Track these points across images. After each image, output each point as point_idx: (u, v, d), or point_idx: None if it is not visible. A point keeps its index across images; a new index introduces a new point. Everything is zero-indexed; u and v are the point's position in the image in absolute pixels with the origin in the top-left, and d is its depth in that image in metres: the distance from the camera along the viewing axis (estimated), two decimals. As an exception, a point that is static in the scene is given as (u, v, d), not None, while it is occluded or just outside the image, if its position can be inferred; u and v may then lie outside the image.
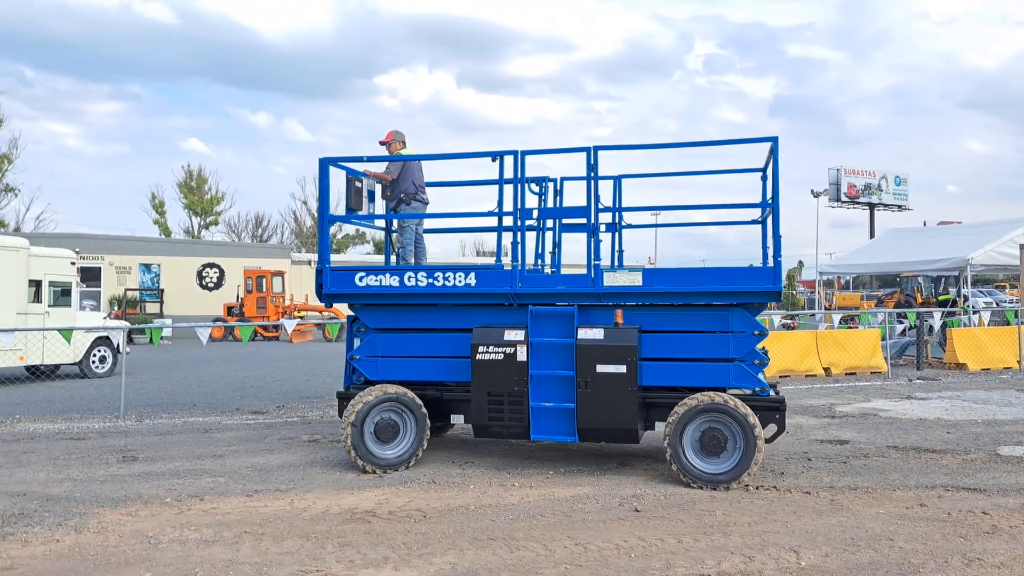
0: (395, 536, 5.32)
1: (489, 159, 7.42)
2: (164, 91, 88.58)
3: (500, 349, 7.03)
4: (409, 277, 7.41)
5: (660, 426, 6.92)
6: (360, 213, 8.56)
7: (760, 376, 6.91)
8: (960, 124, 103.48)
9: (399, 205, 8.99)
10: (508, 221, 7.44)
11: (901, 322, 17.80)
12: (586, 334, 6.90)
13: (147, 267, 35.06)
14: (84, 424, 10.25)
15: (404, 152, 9.28)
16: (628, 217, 9.19)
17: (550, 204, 8.73)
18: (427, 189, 9.20)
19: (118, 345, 15.94)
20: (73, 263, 16.10)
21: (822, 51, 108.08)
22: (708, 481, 6.52)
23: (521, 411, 7.00)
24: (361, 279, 7.52)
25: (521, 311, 7.22)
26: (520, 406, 7.00)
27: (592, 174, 7.14)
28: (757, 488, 6.52)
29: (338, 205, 11.35)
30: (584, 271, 7.23)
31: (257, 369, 17.77)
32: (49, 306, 15.23)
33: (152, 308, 33.87)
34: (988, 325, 17.63)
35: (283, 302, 30.82)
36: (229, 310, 31.01)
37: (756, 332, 6.87)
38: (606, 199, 8.04)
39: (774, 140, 6.82)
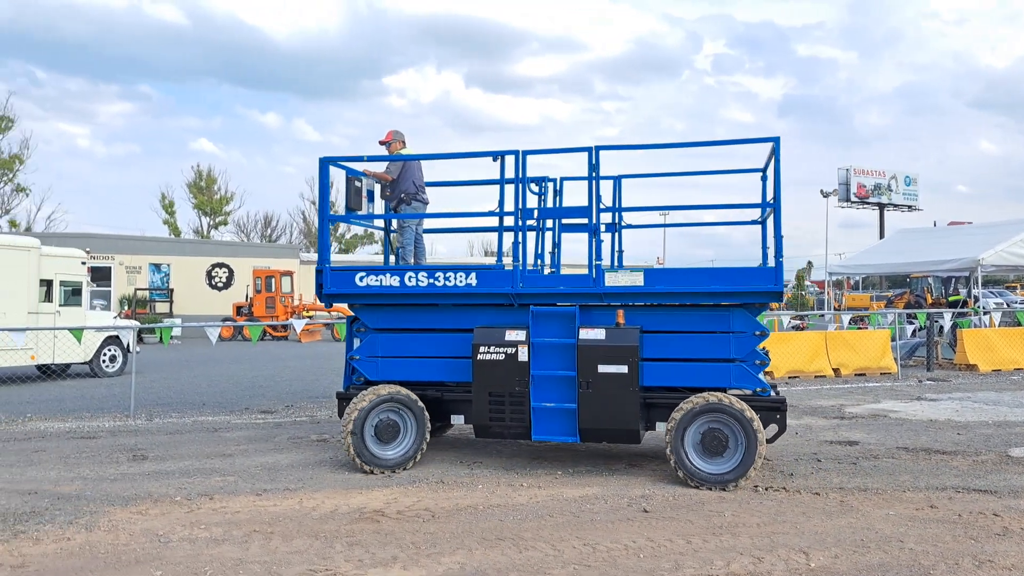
0: (404, 535, 5.33)
1: (490, 159, 7.41)
2: (173, 91, 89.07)
3: (501, 349, 7.02)
4: (410, 277, 7.40)
5: (661, 426, 6.92)
6: (360, 213, 8.56)
7: (761, 376, 6.90)
8: (970, 124, 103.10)
9: (399, 205, 8.96)
10: (509, 221, 7.43)
11: (911, 323, 17.71)
12: (587, 334, 6.90)
13: (157, 267, 35.22)
14: (94, 423, 10.30)
15: (404, 152, 9.25)
16: (630, 217, 9.19)
17: (550, 204, 8.72)
18: (427, 189, 9.19)
19: (128, 344, 16.02)
20: (84, 263, 16.19)
21: (831, 51, 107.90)
22: (710, 481, 6.51)
23: (522, 411, 6.99)
24: (361, 279, 7.51)
25: (522, 311, 7.21)
26: (521, 406, 6.99)
27: (594, 174, 7.13)
28: (766, 489, 6.51)
29: (336, 201, 11.35)
30: (582, 271, 7.22)
31: (266, 369, 17.82)
32: (60, 305, 15.32)
33: (162, 308, 34.03)
34: (999, 326, 17.50)
35: (292, 302, 30.89)
36: (238, 310, 31.11)
37: (757, 332, 6.86)
38: (607, 199, 8.04)
39: (775, 140, 6.81)
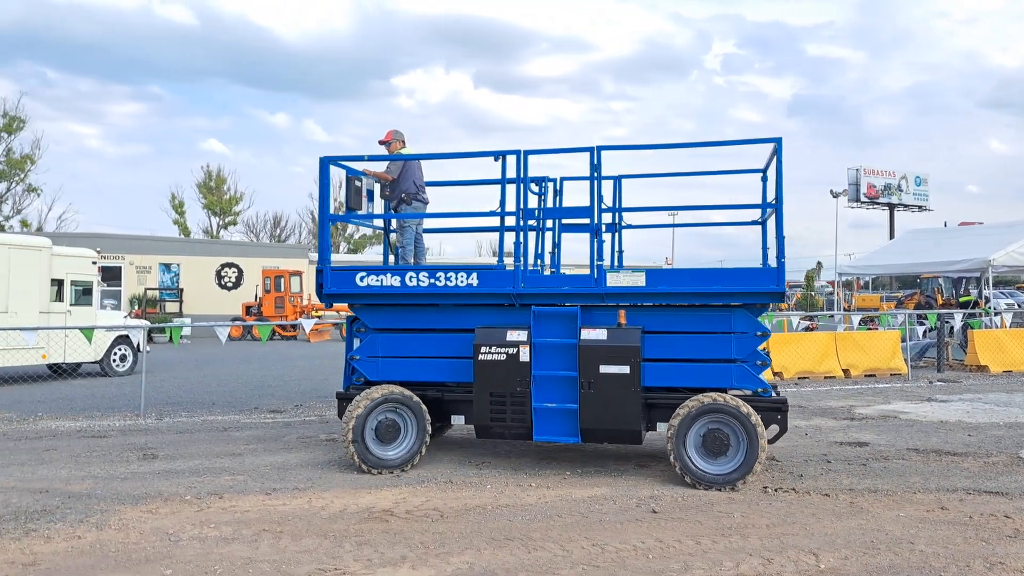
0: (413, 535, 5.33)
1: (492, 159, 7.39)
2: (183, 92, 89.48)
3: (503, 349, 7.01)
4: (410, 277, 7.38)
5: (662, 427, 6.91)
6: (360, 213, 8.57)
7: (762, 377, 6.89)
8: (981, 124, 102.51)
9: (399, 205, 8.95)
10: (510, 221, 7.41)
11: (922, 323, 17.63)
12: (589, 335, 6.89)
13: (167, 267, 35.37)
14: (105, 422, 10.35)
15: (404, 152, 9.24)
16: (632, 217, 9.17)
17: (550, 204, 8.71)
18: (429, 189, 9.18)
19: (138, 344, 16.10)
20: (94, 262, 16.27)
21: (841, 50, 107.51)
22: (711, 482, 6.50)
23: (524, 412, 6.99)
24: (362, 279, 7.49)
25: (524, 311, 7.20)
26: (523, 407, 6.99)
27: (595, 174, 7.12)
28: (776, 490, 6.49)
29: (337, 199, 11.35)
30: (581, 271, 7.20)
31: (275, 368, 17.88)
32: (71, 305, 15.41)
33: (172, 307, 34.15)
34: (1010, 327, 17.38)
35: (301, 302, 30.98)
36: (247, 309, 31.20)
37: (759, 333, 6.85)
38: (608, 199, 8.02)
39: (777, 141, 6.79)
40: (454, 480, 6.89)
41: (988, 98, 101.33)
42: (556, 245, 8.83)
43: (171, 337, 14.22)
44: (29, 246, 14.98)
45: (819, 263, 58.82)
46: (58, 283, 15.21)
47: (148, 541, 5.23)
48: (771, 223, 6.98)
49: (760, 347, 6.93)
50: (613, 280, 7.01)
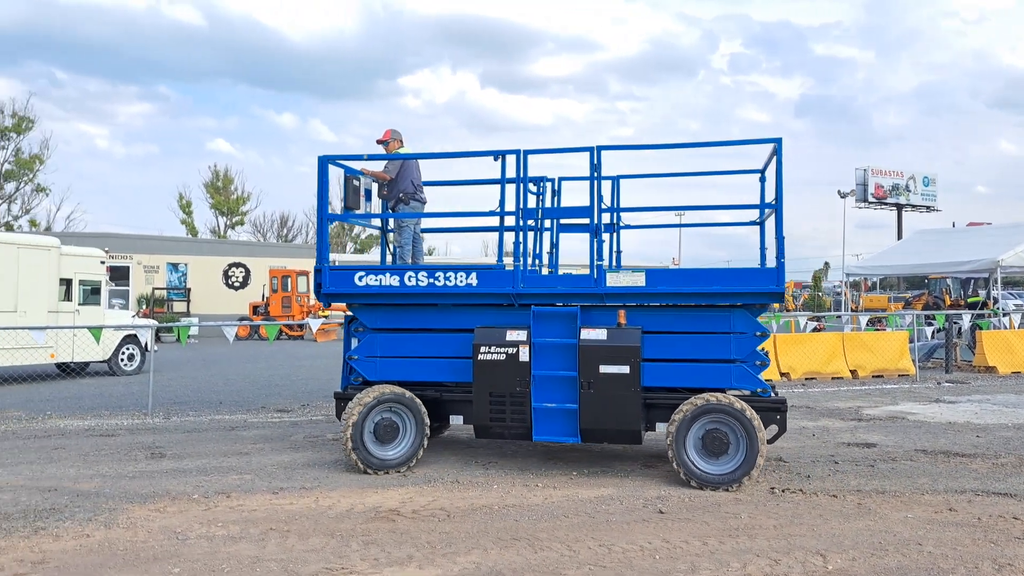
0: (419, 535, 5.34)
1: (492, 158, 7.38)
2: (191, 92, 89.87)
3: (502, 349, 7.01)
4: (409, 277, 7.37)
5: (661, 427, 6.90)
6: (358, 212, 8.57)
7: (761, 377, 6.88)
8: (990, 124, 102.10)
9: (397, 204, 8.94)
10: (510, 220, 7.39)
11: (930, 324, 17.57)
12: (589, 335, 6.89)
13: (174, 266, 35.50)
14: (113, 421, 10.39)
15: (402, 151, 9.22)
16: (632, 218, 9.16)
17: (548, 204, 8.70)
18: (428, 188, 9.16)
19: (146, 343, 16.16)
20: (102, 262, 16.33)
21: (849, 50, 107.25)
22: (711, 482, 6.50)
23: (523, 412, 6.98)
24: (361, 279, 7.48)
25: (523, 311, 7.19)
26: (522, 407, 6.98)
27: (595, 174, 7.11)
28: (783, 491, 6.47)
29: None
30: (579, 271, 7.19)
31: (282, 368, 17.91)
32: (79, 304, 15.48)
33: (179, 307, 34.26)
34: (1019, 328, 17.32)
35: (308, 301, 31.03)
36: (255, 309, 31.29)
37: (758, 333, 6.84)
38: (608, 199, 8.01)
39: (777, 141, 6.77)
40: (460, 480, 6.89)
41: (997, 98, 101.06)
42: (554, 245, 8.82)
43: (179, 337, 14.28)
44: (38, 246, 15.05)
45: (826, 263, 58.60)
46: (66, 283, 15.27)
47: (156, 540, 5.25)
48: (770, 223, 6.97)
49: (759, 347, 6.92)
50: (613, 280, 7.01)
